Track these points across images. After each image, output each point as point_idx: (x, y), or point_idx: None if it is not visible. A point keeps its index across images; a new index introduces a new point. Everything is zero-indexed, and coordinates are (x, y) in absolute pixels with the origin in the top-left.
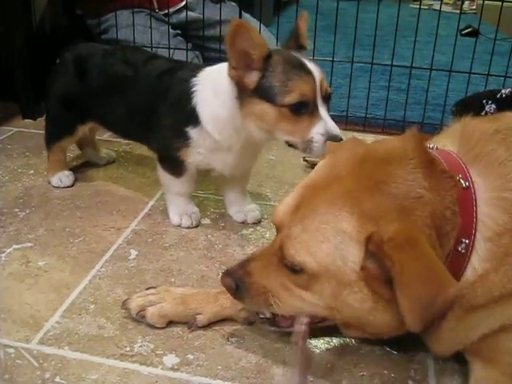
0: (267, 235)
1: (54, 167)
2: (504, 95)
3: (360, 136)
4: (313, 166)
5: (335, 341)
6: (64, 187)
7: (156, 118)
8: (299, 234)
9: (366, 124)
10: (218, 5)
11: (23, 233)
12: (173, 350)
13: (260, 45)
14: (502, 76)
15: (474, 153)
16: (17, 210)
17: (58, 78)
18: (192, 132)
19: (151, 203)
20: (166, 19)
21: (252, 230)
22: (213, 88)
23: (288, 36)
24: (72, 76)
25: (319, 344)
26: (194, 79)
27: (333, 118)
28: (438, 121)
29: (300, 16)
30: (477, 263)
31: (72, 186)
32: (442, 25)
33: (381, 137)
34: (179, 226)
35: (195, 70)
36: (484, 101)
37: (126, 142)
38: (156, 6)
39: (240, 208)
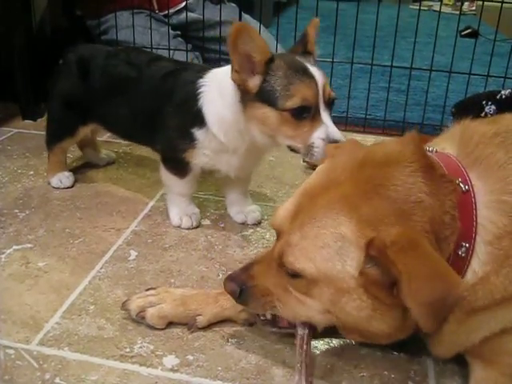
0: (267, 236)
1: (54, 168)
2: (504, 96)
3: (360, 137)
4: (313, 167)
5: (335, 342)
6: (64, 188)
7: (161, 119)
8: (298, 241)
9: (365, 125)
10: (218, 6)
11: (23, 234)
12: (173, 350)
13: (262, 48)
14: (501, 77)
15: (474, 156)
16: (17, 210)
17: (61, 79)
18: (198, 133)
19: (151, 204)
20: (166, 20)
21: (252, 230)
22: (219, 90)
23: (296, 41)
24: (75, 77)
25: (319, 345)
26: (201, 80)
27: (333, 118)
28: (438, 122)
29: (310, 22)
30: (477, 266)
31: (72, 186)
32: (442, 26)
33: (381, 138)
34: (179, 226)
35: (201, 71)
36: (484, 102)
37: (126, 143)
38: (156, 6)
39: (241, 209)
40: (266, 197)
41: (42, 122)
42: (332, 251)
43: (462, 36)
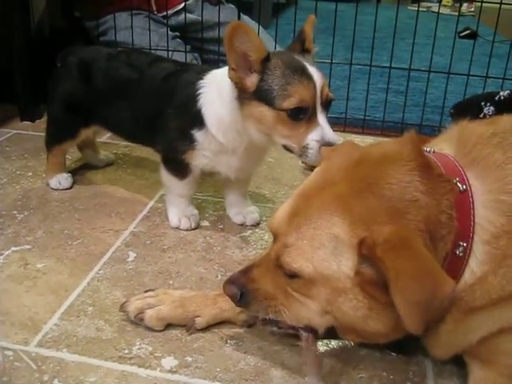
0: (266, 237)
1: (53, 169)
2: (502, 97)
3: (358, 138)
4: (311, 168)
5: (334, 343)
6: (62, 189)
7: (162, 120)
8: (294, 241)
9: (364, 126)
10: (217, 7)
11: (21, 235)
12: (171, 352)
13: (258, 47)
14: (500, 78)
15: (471, 156)
16: (15, 212)
17: (62, 82)
18: (197, 134)
19: (150, 205)
20: (165, 21)
21: (251, 231)
22: (217, 90)
23: (293, 39)
24: (76, 80)
25: (318, 346)
26: (201, 81)
27: (331, 120)
28: (437, 123)
29: (307, 20)
30: (475, 266)
31: (70, 188)
32: (441, 27)
33: (379, 139)
34: (178, 227)
35: (201, 72)
36: (482, 103)
37: (125, 144)
38: (154, 8)
39: (240, 210)
40: (264, 198)
41: (41, 123)
42: (328, 251)
43: (460, 37)
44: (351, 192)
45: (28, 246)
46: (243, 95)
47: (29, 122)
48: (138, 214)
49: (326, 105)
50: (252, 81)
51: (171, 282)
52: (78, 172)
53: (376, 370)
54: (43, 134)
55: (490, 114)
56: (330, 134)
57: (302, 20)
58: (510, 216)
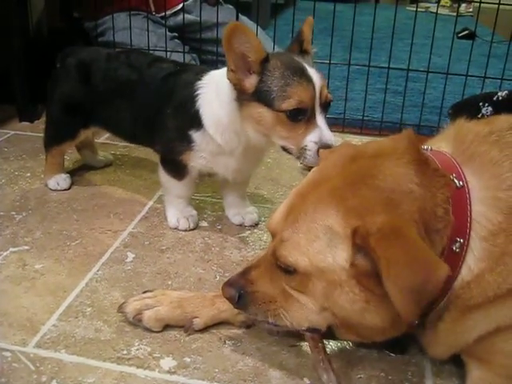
0: (264, 238)
1: (52, 170)
2: (500, 98)
3: (357, 138)
4: (309, 168)
5: (332, 343)
6: (61, 190)
7: (160, 120)
8: (290, 235)
9: (363, 126)
10: (215, 7)
11: (20, 236)
12: (170, 353)
13: (257, 48)
14: (498, 78)
15: (468, 153)
16: (13, 212)
17: (61, 83)
18: (195, 135)
19: (148, 206)
20: (163, 22)
21: (249, 232)
22: (216, 91)
23: (291, 40)
24: (75, 81)
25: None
26: (199, 82)
27: (329, 120)
28: (435, 123)
29: (305, 20)
30: (472, 263)
31: (69, 188)
32: (439, 27)
33: (378, 139)
34: (176, 228)
35: (200, 72)
36: (481, 103)
37: (123, 144)
38: (153, 8)
39: (238, 210)
40: (263, 198)
41: (39, 123)
42: (323, 243)
43: (458, 37)
44: (345, 184)
45: (26, 247)
46: (242, 96)
47: (27, 123)
48: (136, 215)
49: (325, 106)
50: (251, 82)
51: (170, 282)
52: (77, 173)
53: (374, 371)
54: (42, 134)
55: (488, 114)
56: (328, 135)
57: (301, 20)
58: (507, 214)
